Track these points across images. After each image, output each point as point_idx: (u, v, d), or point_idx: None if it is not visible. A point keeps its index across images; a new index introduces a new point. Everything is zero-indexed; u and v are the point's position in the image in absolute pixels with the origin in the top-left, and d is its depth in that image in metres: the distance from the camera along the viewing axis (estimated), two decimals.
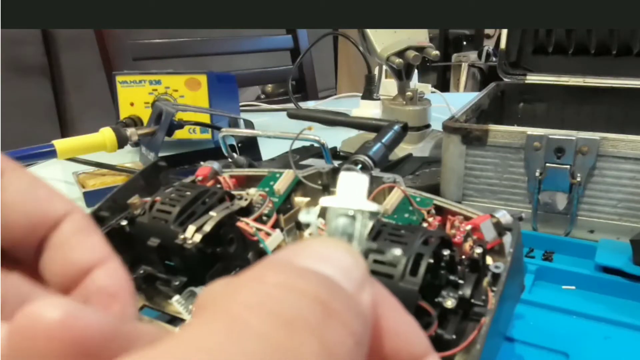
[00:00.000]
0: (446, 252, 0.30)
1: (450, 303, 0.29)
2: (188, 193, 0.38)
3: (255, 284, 0.11)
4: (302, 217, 0.17)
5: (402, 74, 0.79)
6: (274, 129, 0.59)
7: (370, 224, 0.14)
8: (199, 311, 0.11)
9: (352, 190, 0.15)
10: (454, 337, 0.28)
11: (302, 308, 0.10)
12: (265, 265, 0.12)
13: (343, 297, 0.11)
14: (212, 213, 0.36)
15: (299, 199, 0.44)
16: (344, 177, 0.16)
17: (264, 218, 0.40)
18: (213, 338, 0.09)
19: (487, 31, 2.79)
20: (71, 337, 0.10)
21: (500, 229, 0.34)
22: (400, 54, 0.76)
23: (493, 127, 0.55)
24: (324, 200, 0.15)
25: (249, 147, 0.74)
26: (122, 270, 0.17)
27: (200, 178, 0.43)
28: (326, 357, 0.10)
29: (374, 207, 0.15)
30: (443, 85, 2.74)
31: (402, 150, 0.74)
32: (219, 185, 0.44)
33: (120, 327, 0.11)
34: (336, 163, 0.46)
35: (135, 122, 0.81)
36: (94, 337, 0.10)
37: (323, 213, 0.16)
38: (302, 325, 0.10)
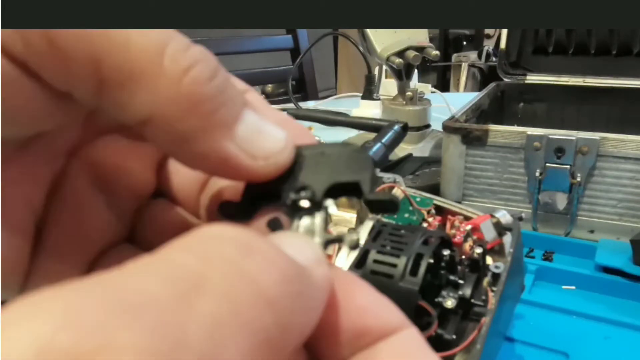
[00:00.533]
0: (446, 252, 0.30)
1: (450, 303, 0.29)
2: None
3: (193, 235, 0.11)
4: None
5: (402, 74, 0.79)
6: None
7: (323, 214, 0.15)
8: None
9: None
10: (454, 337, 0.28)
11: (224, 246, 0.11)
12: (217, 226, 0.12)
13: (273, 246, 0.11)
14: None
15: None
16: None
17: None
18: (138, 267, 0.10)
19: (487, 31, 2.79)
20: None
21: (500, 229, 0.34)
22: (400, 54, 0.76)
23: (493, 127, 0.55)
24: None
25: None
26: None
27: None
28: (242, 280, 0.10)
29: (328, 202, 0.15)
30: (443, 85, 2.74)
31: (402, 150, 0.74)
32: None
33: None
34: None
35: None
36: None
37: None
38: (220, 257, 0.10)
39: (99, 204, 0.18)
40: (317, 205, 0.15)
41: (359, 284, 0.14)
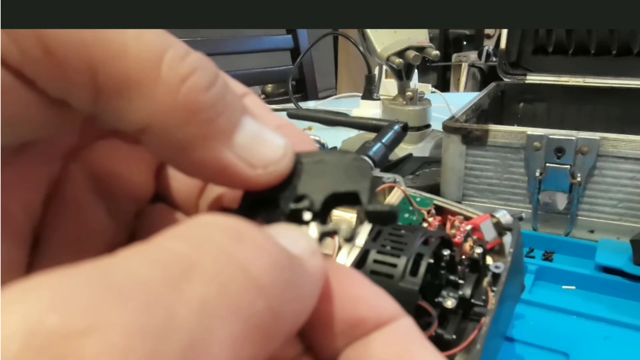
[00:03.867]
0: (446, 252, 0.30)
1: (450, 303, 0.29)
2: None
3: (191, 222, 0.11)
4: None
5: (402, 74, 0.79)
6: None
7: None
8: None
9: None
10: (454, 337, 0.28)
11: (216, 233, 0.11)
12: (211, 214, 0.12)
13: (265, 235, 0.11)
14: None
15: None
16: None
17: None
18: (130, 253, 0.10)
19: (487, 31, 2.79)
20: None
21: (500, 229, 0.34)
22: (400, 54, 0.76)
23: (493, 127, 0.55)
24: None
25: None
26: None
27: None
28: (233, 267, 0.10)
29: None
30: (443, 85, 2.74)
31: (402, 150, 0.74)
32: None
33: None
34: None
35: None
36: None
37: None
38: (211, 243, 0.10)
39: (98, 209, 0.18)
40: (315, 215, 0.15)
41: (353, 275, 0.14)
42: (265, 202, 0.15)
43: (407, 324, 0.13)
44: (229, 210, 0.16)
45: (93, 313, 0.08)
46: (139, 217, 0.19)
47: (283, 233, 0.13)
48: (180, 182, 0.19)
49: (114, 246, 0.18)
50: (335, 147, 0.82)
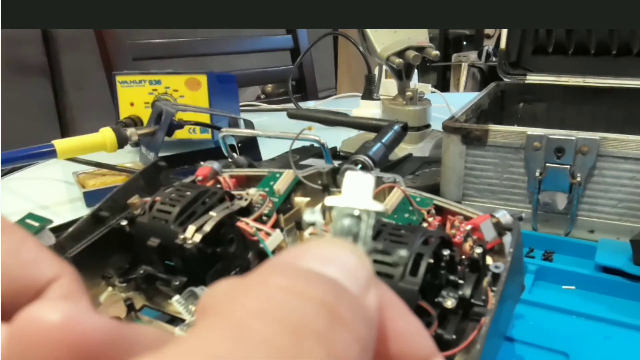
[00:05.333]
0: (446, 252, 0.30)
1: (450, 303, 0.29)
2: (188, 193, 0.38)
3: (259, 287, 0.11)
4: (307, 216, 0.17)
5: (402, 74, 0.79)
6: (274, 129, 0.59)
7: (371, 221, 0.14)
8: (203, 315, 0.11)
9: (357, 190, 0.15)
10: (454, 337, 0.28)
11: (307, 313, 0.10)
12: (269, 268, 0.11)
13: (349, 301, 0.11)
14: (212, 213, 0.36)
15: (299, 199, 0.44)
16: (349, 176, 0.15)
17: (264, 218, 0.40)
18: (219, 344, 0.09)
19: (487, 31, 2.79)
20: (72, 340, 0.10)
21: (500, 229, 0.34)
22: (400, 54, 0.76)
23: (493, 127, 0.55)
24: (330, 200, 0.15)
25: (249, 147, 0.74)
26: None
27: (200, 178, 0.43)
28: None
29: (380, 207, 0.14)
30: (443, 85, 2.74)
31: (402, 150, 0.74)
32: (219, 185, 0.44)
33: (122, 330, 0.11)
34: (336, 163, 0.46)
35: (135, 122, 0.81)
36: (95, 340, 0.10)
37: (327, 213, 0.16)
38: (308, 331, 0.10)
39: None
40: None
41: (397, 304, 0.13)
42: None
43: None
44: None
45: None
46: None
47: (342, 260, 0.12)
48: None
49: None
50: (335, 147, 0.82)
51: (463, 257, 0.33)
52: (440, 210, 0.38)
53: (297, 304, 0.10)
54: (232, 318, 0.10)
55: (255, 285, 0.11)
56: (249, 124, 0.97)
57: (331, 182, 0.43)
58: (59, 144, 0.65)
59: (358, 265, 0.12)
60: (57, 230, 0.41)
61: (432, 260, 0.28)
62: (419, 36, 0.78)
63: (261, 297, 0.10)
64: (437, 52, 0.78)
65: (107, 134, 0.69)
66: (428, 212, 0.38)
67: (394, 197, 0.38)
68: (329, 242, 0.13)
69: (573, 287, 0.46)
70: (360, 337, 0.11)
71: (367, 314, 0.11)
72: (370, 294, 0.12)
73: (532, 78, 0.78)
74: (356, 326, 0.11)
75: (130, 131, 0.71)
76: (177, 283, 0.35)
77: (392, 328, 0.13)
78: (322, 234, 0.16)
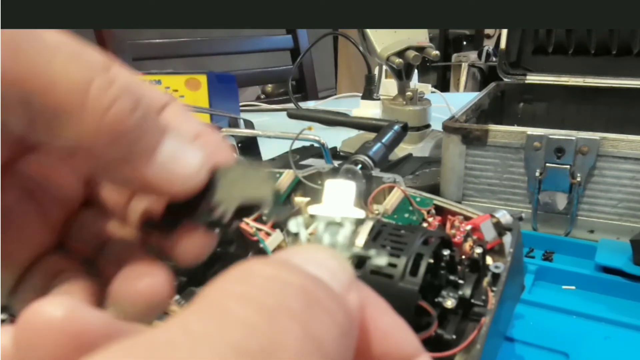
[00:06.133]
0: (446, 252, 0.30)
1: (450, 303, 0.29)
2: None
3: (244, 275, 0.11)
4: (291, 226, 0.19)
5: (402, 74, 0.79)
6: (274, 129, 0.59)
7: (352, 228, 0.15)
8: (193, 302, 0.11)
9: (338, 198, 0.16)
10: (454, 337, 0.28)
11: (286, 296, 0.11)
12: (258, 260, 0.12)
13: (329, 290, 0.12)
14: None
15: (299, 199, 0.44)
16: (330, 185, 0.17)
17: (264, 218, 0.40)
18: (196, 323, 0.10)
19: (487, 31, 2.79)
20: (72, 331, 0.11)
21: (500, 229, 0.34)
22: (400, 54, 0.76)
23: (493, 127, 0.55)
24: (312, 209, 0.16)
25: (249, 147, 0.74)
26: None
27: None
28: (310, 344, 0.10)
29: (360, 213, 0.15)
30: (443, 85, 2.74)
31: (402, 150, 0.74)
32: None
33: (116, 324, 0.12)
34: (336, 163, 0.46)
35: None
36: (93, 332, 0.11)
37: (311, 222, 0.17)
38: (285, 311, 0.10)
39: (29, 215, 0.18)
40: (227, 226, 0.17)
41: (380, 306, 0.14)
42: (186, 210, 0.17)
43: None
44: (154, 220, 0.18)
45: None
46: (70, 222, 0.20)
47: (322, 263, 0.13)
48: (109, 189, 0.20)
49: (46, 250, 0.19)
50: (335, 147, 0.82)
51: (463, 257, 0.33)
52: (440, 210, 0.38)
53: (277, 288, 0.11)
54: (214, 301, 0.10)
55: (241, 272, 0.11)
56: (249, 124, 0.97)
57: None
58: None
59: (339, 267, 0.13)
60: None
61: (432, 260, 0.28)
62: (419, 36, 0.78)
63: (244, 283, 0.11)
64: (437, 52, 0.78)
65: None
66: (428, 212, 0.38)
67: (394, 197, 0.38)
68: (314, 247, 0.14)
69: (573, 287, 0.46)
70: (339, 322, 0.11)
71: (347, 308, 0.12)
72: (351, 293, 0.12)
73: (532, 78, 0.78)
74: (334, 311, 0.11)
75: None
76: (176, 283, 0.35)
77: (375, 328, 0.13)
78: (306, 242, 0.17)
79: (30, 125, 0.15)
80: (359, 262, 0.28)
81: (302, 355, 0.10)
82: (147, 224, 0.18)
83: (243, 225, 0.38)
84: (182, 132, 0.17)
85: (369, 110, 0.95)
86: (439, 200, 0.38)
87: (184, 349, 0.09)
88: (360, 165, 0.48)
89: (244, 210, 0.17)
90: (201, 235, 0.18)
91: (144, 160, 0.16)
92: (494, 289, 0.30)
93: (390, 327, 0.13)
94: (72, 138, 0.15)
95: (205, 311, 0.10)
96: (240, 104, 1.08)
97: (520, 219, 0.36)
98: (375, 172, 0.42)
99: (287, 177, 0.44)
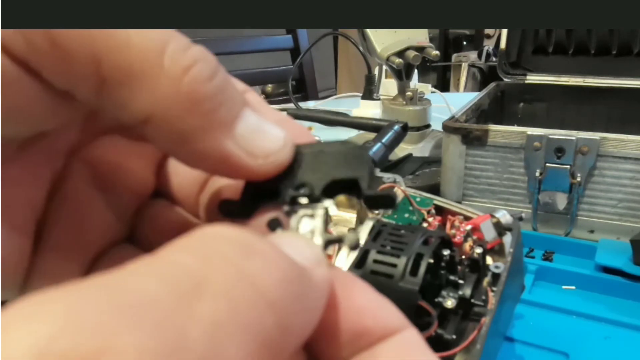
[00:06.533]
0: (446, 252, 0.30)
1: (450, 303, 0.29)
2: None
3: (199, 234, 0.11)
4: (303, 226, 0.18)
5: (402, 74, 0.79)
6: None
7: (323, 217, 0.15)
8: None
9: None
10: (454, 337, 0.28)
11: (225, 247, 0.11)
12: (219, 225, 0.12)
13: (274, 247, 0.11)
14: None
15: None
16: None
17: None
18: (139, 268, 0.10)
19: (487, 31, 2.79)
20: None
21: (500, 229, 0.34)
22: (400, 54, 0.76)
23: (493, 127, 0.55)
24: None
25: None
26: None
27: None
28: (244, 281, 0.10)
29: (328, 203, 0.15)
30: (443, 85, 2.74)
31: (402, 150, 0.74)
32: None
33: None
34: None
35: None
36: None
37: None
38: (220, 257, 0.10)
39: (99, 204, 0.18)
40: (315, 201, 0.15)
41: (358, 285, 0.14)
42: (266, 193, 0.16)
43: (412, 336, 0.13)
44: (231, 202, 0.16)
45: (105, 334, 0.08)
46: (140, 212, 0.19)
47: (289, 242, 0.13)
48: (181, 177, 0.19)
49: (115, 240, 0.18)
50: None
51: (463, 257, 0.33)
52: (440, 210, 0.38)
53: (220, 242, 0.11)
54: (159, 253, 0.10)
55: (193, 233, 0.11)
56: None
57: None
58: None
59: (305, 245, 0.13)
60: None
61: (432, 260, 0.28)
62: (419, 36, 0.78)
63: (192, 238, 0.11)
64: (437, 52, 0.78)
65: None
66: (428, 212, 0.38)
67: None
68: (283, 233, 0.14)
69: (573, 287, 0.46)
70: (280, 268, 0.11)
71: (300, 268, 0.12)
72: (319, 268, 0.12)
73: (532, 78, 0.78)
74: (276, 259, 0.11)
75: None
76: None
77: (353, 304, 0.13)
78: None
79: (100, 92, 0.13)
80: (359, 262, 0.28)
81: (233, 290, 0.10)
82: (224, 208, 0.17)
83: None
84: (262, 113, 0.16)
85: (369, 110, 0.95)
86: (439, 200, 0.38)
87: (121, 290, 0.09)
88: None
89: (335, 188, 0.15)
90: (282, 218, 0.16)
91: (223, 132, 0.14)
92: (494, 289, 0.30)
93: (368, 303, 0.13)
94: (145, 106, 0.13)
95: (149, 260, 0.10)
96: None
97: (520, 219, 0.36)
98: (376, 172, 0.42)
99: None
